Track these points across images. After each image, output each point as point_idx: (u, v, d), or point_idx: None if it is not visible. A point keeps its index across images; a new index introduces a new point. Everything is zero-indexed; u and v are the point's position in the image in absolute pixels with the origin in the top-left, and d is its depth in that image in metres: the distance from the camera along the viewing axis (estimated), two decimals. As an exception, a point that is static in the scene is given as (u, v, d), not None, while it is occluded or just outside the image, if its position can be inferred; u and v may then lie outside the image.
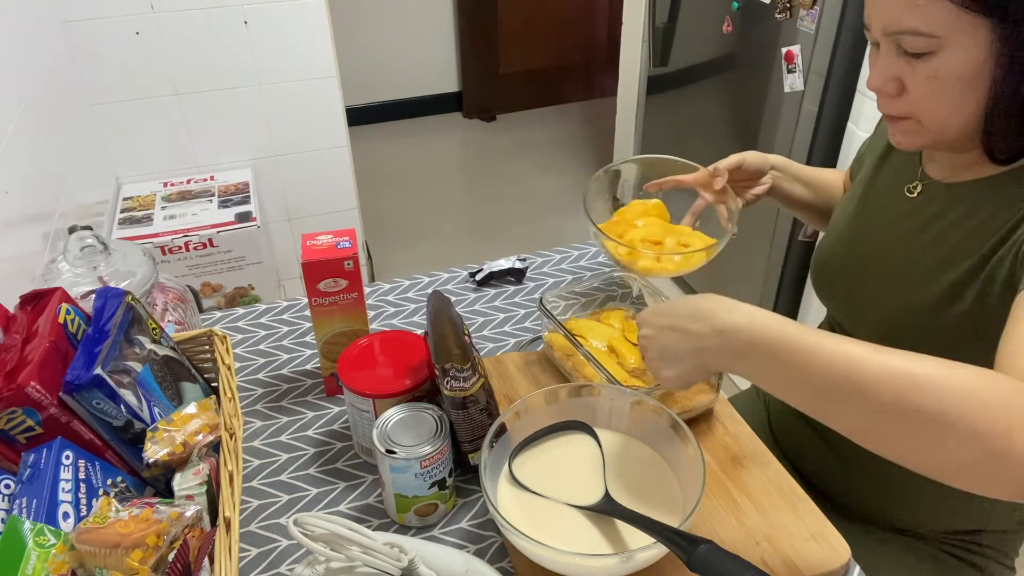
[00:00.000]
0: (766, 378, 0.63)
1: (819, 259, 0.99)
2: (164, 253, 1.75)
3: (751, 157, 1.03)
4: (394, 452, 0.77)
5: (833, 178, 1.13)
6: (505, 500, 0.77)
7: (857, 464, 0.95)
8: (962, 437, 0.54)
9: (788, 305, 2.18)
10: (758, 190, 1.05)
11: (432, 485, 0.80)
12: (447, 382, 0.78)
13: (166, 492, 0.76)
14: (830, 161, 1.88)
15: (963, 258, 0.77)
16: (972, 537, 0.95)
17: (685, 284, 2.54)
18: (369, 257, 2.64)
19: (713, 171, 1.00)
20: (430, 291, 1.03)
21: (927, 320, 0.81)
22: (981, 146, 0.75)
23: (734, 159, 1.01)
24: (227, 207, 1.87)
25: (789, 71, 1.84)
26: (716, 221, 1.00)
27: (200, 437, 0.77)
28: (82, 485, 0.70)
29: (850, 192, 1.00)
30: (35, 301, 0.80)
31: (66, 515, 0.67)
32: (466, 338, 0.85)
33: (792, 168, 1.09)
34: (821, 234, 1.06)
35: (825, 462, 1.00)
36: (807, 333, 0.60)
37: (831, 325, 1.01)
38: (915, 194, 0.86)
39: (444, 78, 3.84)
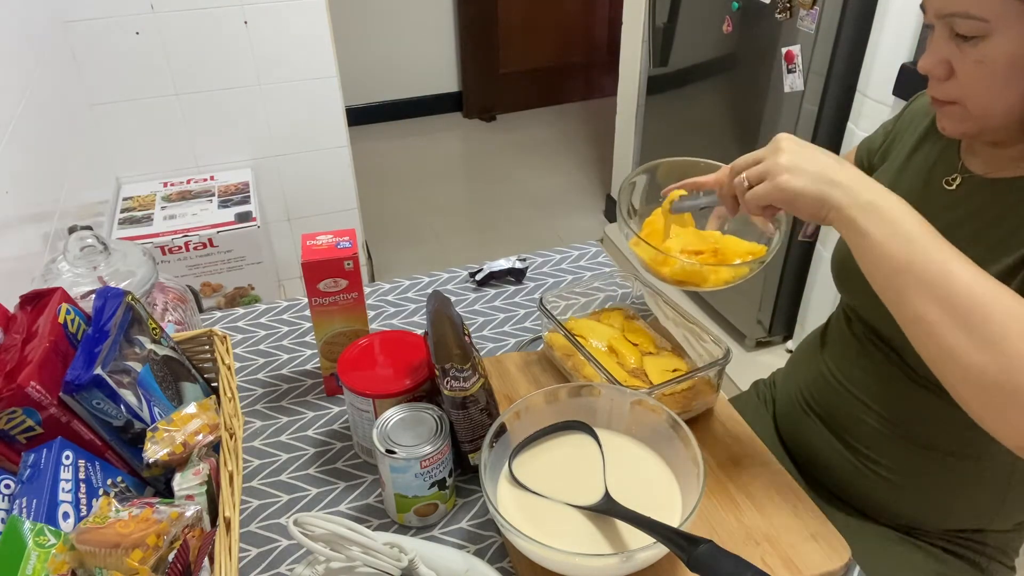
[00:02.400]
0: (870, 238, 0.68)
1: (841, 250, 0.98)
2: (164, 253, 1.75)
3: None
4: (394, 452, 0.77)
5: None
6: (505, 500, 0.77)
7: (867, 459, 0.95)
8: (1004, 355, 0.60)
9: (787, 305, 2.18)
10: None
11: (432, 485, 0.80)
12: (447, 382, 0.78)
13: (166, 492, 0.76)
14: (830, 161, 1.88)
15: (1003, 255, 0.76)
16: (975, 536, 0.95)
17: (696, 294, 2.54)
18: (369, 257, 2.64)
19: (732, 170, 0.92)
20: (430, 291, 1.03)
21: None
22: None
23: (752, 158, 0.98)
24: (227, 207, 1.87)
25: (789, 71, 1.84)
26: (743, 220, 0.92)
27: (200, 437, 0.76)
28: (82, 485, 0.70)
29: None
30: (35, 301, 0.80)
31: (66, 515, 0.67)
32: (466, 338, 0.85)
33: None
34: (822, 230, 1.04)
35: (834, 457, 0.99)
36: (925, 223, 0.67)
37: (847, 318, 1.00)
38: (954, 187, 0.85)
39: (444, 78, 3.84)
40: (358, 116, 3.66)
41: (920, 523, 0.96)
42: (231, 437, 0.78)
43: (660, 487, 0.78)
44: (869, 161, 1.03)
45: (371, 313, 1.16)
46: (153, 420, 0.78)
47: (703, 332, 0.95)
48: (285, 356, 1.09)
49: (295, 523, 0.65)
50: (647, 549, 0.67)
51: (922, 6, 0.76)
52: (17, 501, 0.67)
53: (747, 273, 0.88)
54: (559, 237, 2.92)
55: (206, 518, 0.71)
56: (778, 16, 1.81)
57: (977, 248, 0.79)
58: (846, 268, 0.97)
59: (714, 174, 0.95)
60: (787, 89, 1.86)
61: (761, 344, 2.27)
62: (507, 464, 0.80)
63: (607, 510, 0.74)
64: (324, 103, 2.04)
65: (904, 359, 0.90)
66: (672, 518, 0.73)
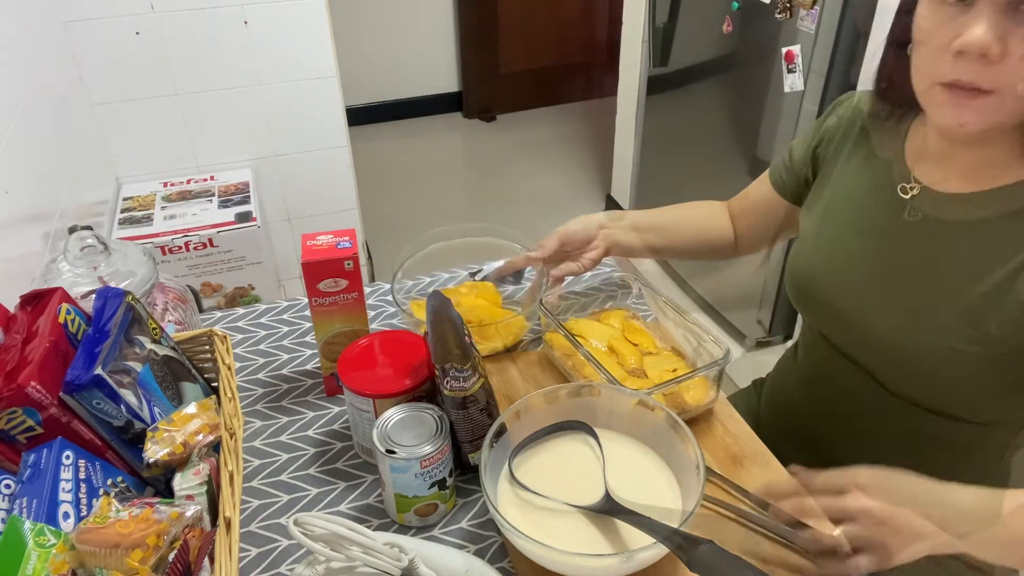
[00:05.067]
0: (987, 554, 0.76)
1: (798, 271, 0.94)
2: (164, 253, 1.75)
3: (572, 226, 1.08)
4: (394, 452, 0.77)
5: (694, 214, 1.13)
6: (505, 500, 0.77)
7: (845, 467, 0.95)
8: None
9: (787, 307, 2.18)
10: (592, 255, 1.08)
11: (432, 485, 0.80)
12: (447, 382, 0.78)
13: (166, 492, 0.76)
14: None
15: (987, 273, 0.75)
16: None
17: (696, 294, 2.54)
18: (369, 257, 2.64)
19: (537, 249, 1.07)
20: (430, 291, 1.03)
21: (944, 354, 0.78)
22: None
23: (554, 237, 1.08)
24: (227, 207, 1.87)
25: (789, 71, 1.84)
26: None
27: (200, 437, 0.76)
28: (82, 485, 0.70)
29: (810, 202, 0.96)
30: (35, 301, 0.80)
31: (66, 515, 0.67)
32: (466, 338, 0.85)
33: (629, 217, 1.11)
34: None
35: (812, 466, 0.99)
36: (998, 496, 0.72)
37: (816, 336, 0.97)
38: (912, 214, 0.82)
39: (444, 78, 3.83)
40: (358, 116, 3.65)
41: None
42: (231, 437, 0.78)
43: (660, 487, 0.78)
44: (795, 174, 1.00)
45: (371, 313, 1.16)
46: (153, 420, 0.78)
47: (703, 332, 0.95)
48: (285, 356, 1.09)
49: (295, 523, 0.65)
50: (647, 549, 0.67)
51: None
52: (17, 501, 0.67)
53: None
54: (559, 237, 2.92)
55: (206, 518, 0.71)
56: (778, 16, 1.81)
57: (955, 270, 0.77)
58: (804, 291, 0.94)
59: (521, 256, 1.09)
60: (787, 89, 1.86)
61: (761, 344, 2.27)
62: (507, 464, 0.80)
63: (607, 510, 0.74)
64: (324, 103, 2.04)
65: (874, 377, 0.89)
66: (672, 518, 0.73)
